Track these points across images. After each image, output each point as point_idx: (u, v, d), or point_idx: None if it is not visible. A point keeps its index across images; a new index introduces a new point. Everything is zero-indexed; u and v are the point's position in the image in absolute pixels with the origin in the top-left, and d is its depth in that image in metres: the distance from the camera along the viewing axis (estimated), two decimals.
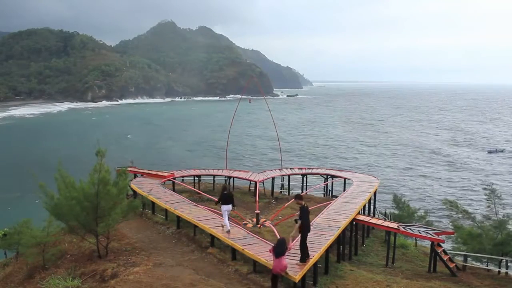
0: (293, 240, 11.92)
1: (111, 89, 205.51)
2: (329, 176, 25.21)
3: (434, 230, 16.98)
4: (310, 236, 13.82)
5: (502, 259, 16.77)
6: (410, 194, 46.81)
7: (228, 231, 14.46)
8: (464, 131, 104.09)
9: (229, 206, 14.96)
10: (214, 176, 25.22)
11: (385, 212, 26.04)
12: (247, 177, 23.84)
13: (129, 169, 22.87)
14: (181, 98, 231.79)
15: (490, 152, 74.96)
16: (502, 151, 75.49)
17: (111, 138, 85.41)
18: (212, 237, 15.02)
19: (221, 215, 15.33)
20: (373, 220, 17.64)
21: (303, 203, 12.22)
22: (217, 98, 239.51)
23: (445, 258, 15.73)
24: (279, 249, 10.79)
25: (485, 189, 19.19)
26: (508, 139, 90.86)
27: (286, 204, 20.27)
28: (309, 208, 17.99)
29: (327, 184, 25.49)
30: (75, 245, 15.24)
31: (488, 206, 18.19)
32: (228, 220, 14.98)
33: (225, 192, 15.02)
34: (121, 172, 13.92)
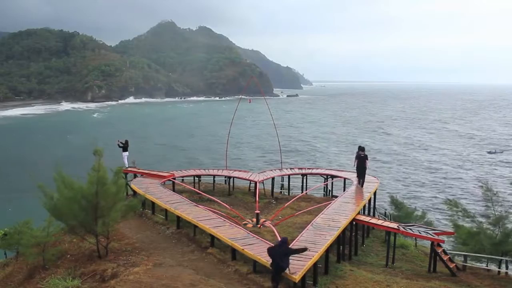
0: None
1: (111, 89, 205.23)
2: (329, 176, 25.15)
3: (434, 230, 16.99)
4: (309, 236, 14.10)
5: (501, 259, 16.77)
6: (410, 194, 46.81)
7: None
8: (463, 131, 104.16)
9: (127, 152, 23.24)
10: (214, 176, 25.19)
11: (385, 212, 26.02)
12: (247, 177, 23.80)
13: (130, 169, 22.97)
14: (181, 98, 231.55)
15: (489, 152, 75.05)
16: (501, 152, 75.51)
17: (111, 138, 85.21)
18: (212, 237, 15.02)
19: (221, 215, 17.01)
20: (373, 220, 17.64)
21: (360, 152, 19.79)
22: (217, 98, 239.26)
23: (445, 258, 15.73)
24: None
25: (481, 187, 19.04)
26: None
27: (286, 204, 20.24)
28: (308, 208, 18.68)
29: (327, 184, 25.43)
30: (75, 245, 15.25)
31: (486, 205, 18.08)
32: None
33: (125, 145, 23.30)
34: (117, 171, 13.91)
